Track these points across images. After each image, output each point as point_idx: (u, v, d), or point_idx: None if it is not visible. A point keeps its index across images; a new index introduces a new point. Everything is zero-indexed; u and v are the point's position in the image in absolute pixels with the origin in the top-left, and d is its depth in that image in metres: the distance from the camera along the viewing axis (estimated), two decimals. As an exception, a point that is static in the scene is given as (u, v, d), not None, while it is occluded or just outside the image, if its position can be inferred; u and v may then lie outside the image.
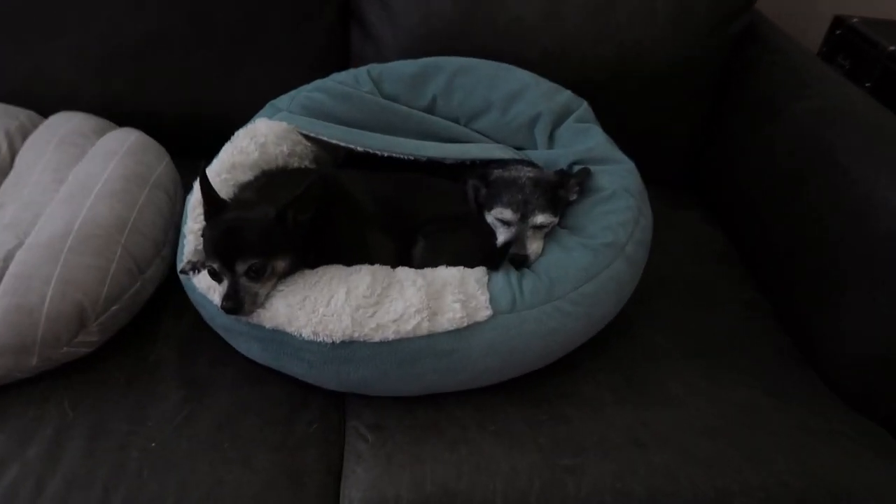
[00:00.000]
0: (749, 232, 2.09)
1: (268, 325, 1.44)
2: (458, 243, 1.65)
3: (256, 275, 1.41)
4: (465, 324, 1.45)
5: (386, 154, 1.82)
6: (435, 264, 1.58)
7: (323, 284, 1.47)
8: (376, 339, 1.41)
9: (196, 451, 1.34)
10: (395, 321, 1.42)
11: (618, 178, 1.76)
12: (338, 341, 1.41)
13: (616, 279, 1.62)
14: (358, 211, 1.62)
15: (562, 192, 1.72)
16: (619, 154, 1.83)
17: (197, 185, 1.47)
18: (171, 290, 1.61)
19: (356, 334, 1.41)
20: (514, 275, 1.56)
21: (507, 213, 1.65)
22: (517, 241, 1.63)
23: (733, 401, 1.57)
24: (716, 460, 1.41)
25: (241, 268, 1.39)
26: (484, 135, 1.97)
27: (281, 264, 1.44)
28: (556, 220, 1.69)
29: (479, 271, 1.56)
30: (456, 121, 1.98)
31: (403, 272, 1.54)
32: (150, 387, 1.45)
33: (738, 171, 2.17)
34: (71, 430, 1.35)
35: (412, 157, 1.83)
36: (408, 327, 1.42)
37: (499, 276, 1.56)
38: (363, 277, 1.48)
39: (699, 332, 1.75)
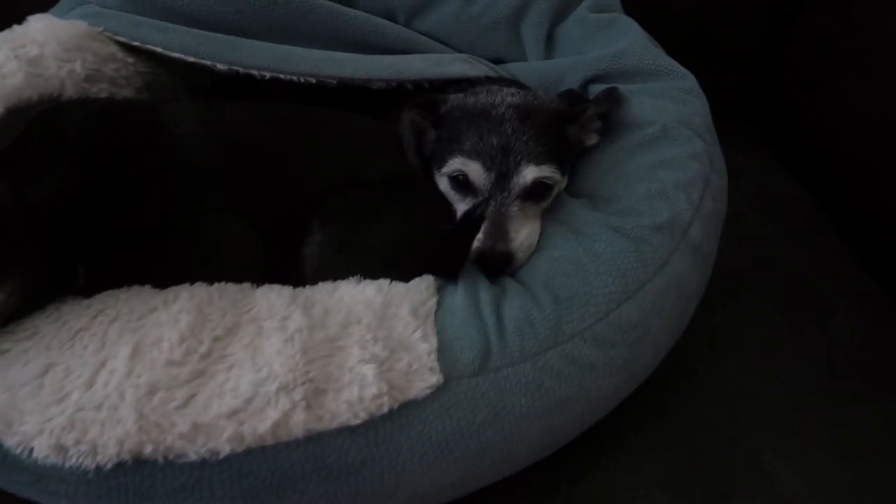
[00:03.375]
0: (842, 184, 1.41)
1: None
2: (386, 233, 0.89)
3: None
4: (387, 408, 0.71)
5: (269, 75, 1.05)
6: (343, 274, 0.83)
7: (91, 337, 0.72)
8: (193, 454, 0.67)
9: None
10: (233, 414, 0.68)
11: (670, 105, 0.99)
12: (109, 464, 0.66)
13: (676, 289, 0.88)
14: (183, 174, 0.85)
15: (571, 130, 0.95)
16: (668, 62, 1.06)
17: None
18: None
19: (149, 448, 0.66)
20: (485, 293, 0.81)
21: (474, 170, 0.89)
22: (491, 223, 0.87)
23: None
24: None
25: None
26: (436, 39, 1.19)
27: None
28: (562, 180, 0.93)
29: (422, 287, 0.81)
30: (391, 17, 1.20)
31: (266, 298, 0.78)
32: None
33: (824, 94, 1.46)
34: None
35: (313, 80, 1.05)
36: (262, 425, 0.68)
37: (457, 298, 0.81)
38: (176, 317, 0.73)
39: (808, 361, 1.09)
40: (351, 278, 0.82)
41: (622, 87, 1.01)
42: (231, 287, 0.80)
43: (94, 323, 0.73)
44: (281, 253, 0.88)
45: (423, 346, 0.75)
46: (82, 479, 0.68)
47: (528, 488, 0.85)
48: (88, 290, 0.78)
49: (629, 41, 1.07)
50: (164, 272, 0.80)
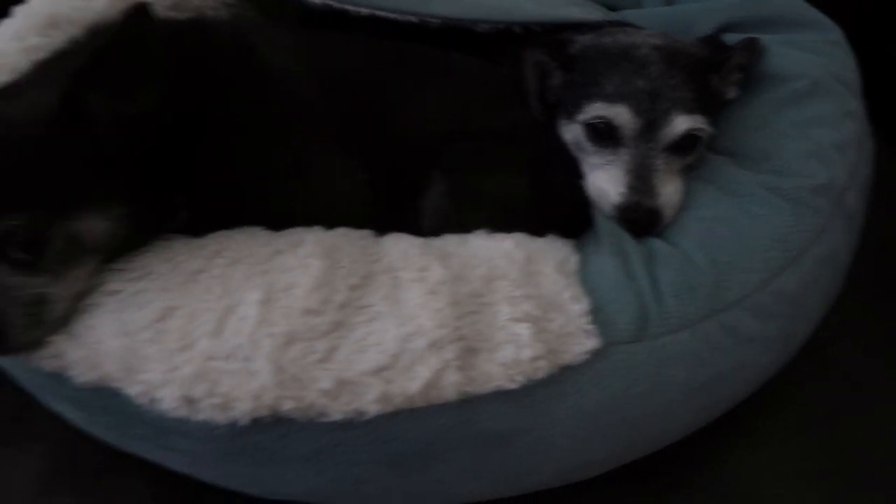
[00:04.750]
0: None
1: (78, 375, 0.61)
2: (510, 186, 0.80)
3: (28, 253, 0.58)
4: (544, 373, 0.63)
5: (366, 11, 0.95)
6: (464, 228, 0.74)
7: (212, 279, 0.64)
8: (336, 414, 0.59)
9: None
10: (379, 371, 0.60)
11: (817, 58, 0.89)
12: (243, 421, 0.59)
13: (832, 259, 0.80)
14: (282, 103, 0.76)
15: (714, 79, 0.86)
16: (811, 11, 0.96)
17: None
18: None
19: (288, 405, 0.59)
20: (635, 253, 0.73)
21: (620, 115, 0.79)
22: (635, 176, 0.78)
23: None
24: None
25: None
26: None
27: (94, 225, 0.62)
28: (711, 133, 0.84)
29: (561, 246, 0.73)
30: (494, -44, 1.10)
31: (397, 247, 0.70)
32: None
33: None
34: None
35: (414, 19, 0.96)
36: (412, 385, 0.60)
37: (603, 256, 0.72)
38: (306, 262, 0.65)
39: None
40: (479, 231, 0.74)
41: (763, 38, 0.92)
42: (355, 233, 0.72)
43: (211, 264, 0.65)
44: (393, 199, 0.79)
45: (576, 307, 0.67)
46: (209, 435, 0.60)
47: (658, 471, 0.78)
48: (194, 228, 0.70)
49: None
50: (270, 211, 0.71)
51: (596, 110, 0.80)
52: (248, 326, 0.60)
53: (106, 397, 0.62)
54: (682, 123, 0.79)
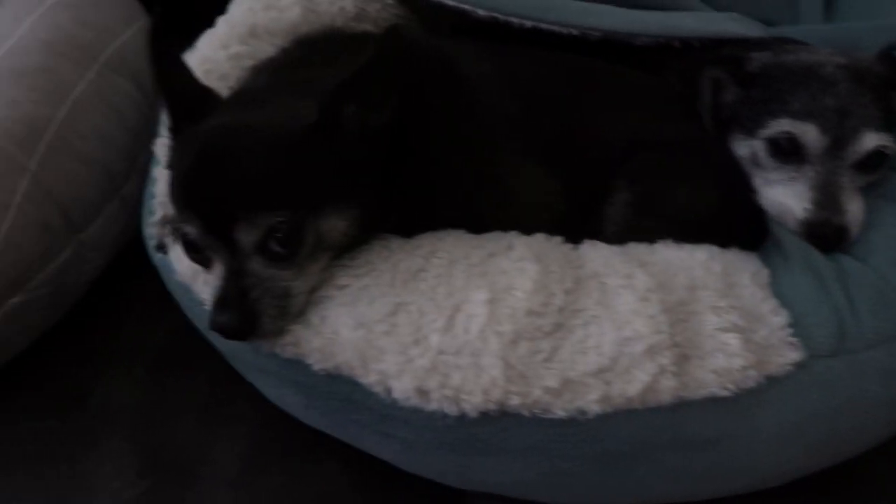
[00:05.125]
0: None
1: (315, 363, 0.66)
2: (691, 197, 0.82)
3: (284, 248, 0.63)
4: (753, 382, 0.65)
5: (529, 24, 0.99)
6: (647, 237, 0.77)
7: (435, 279, 0.68)
8: (559, 411, 0.63)
9: None
10: (599, 373, 0.63)
11: None
12: (473, 413, 0.63)
13: None
14: (484, 116, 0.80)
15: (894, 97, 0.86)
16: None
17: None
18: (137, 266, 0.87)
19: (515, 400, 0.62)
20: (826, 268, 0.74)
21: (808, 133, 0.81)
22: (822, 192, 0.79)
23: None
24: None
25: (246, 235, 0.62)
26: (700, -4, 1.11)
27: (335, 224, 0.66)
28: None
29: (751, 259, 0.75)
30: (647, -28, 1.12)
31: (597, 254, 0.73)
32: (91, 454, 0.72)
33: None
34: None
35: (575, 32, 0.98)
36: (630, 388, 0.63)
37: (795, 271, 0.74)
38: (521, 265, 0.68)
39: None
40: (667, 241, 0.76)
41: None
42: (552, 239, 0.75)
43: (430, 264, 0.69)
44: (579, 207, 0.82)
45: (776, 319, 0.69)
46: (432, 425, 0.64)
47: (846, 480, 0.79)
48: (402, 229, 0.74)
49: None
50: (471, 216, 0.75)
51: (781, 126, 0.81)
52: (476, 324, 0.64)
53: (335, 384, 0.67)
54: (870, 141, 0.79)
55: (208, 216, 0.61)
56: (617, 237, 0.79)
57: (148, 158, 0.94)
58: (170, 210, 0.80)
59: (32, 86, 0.82)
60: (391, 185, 0.71)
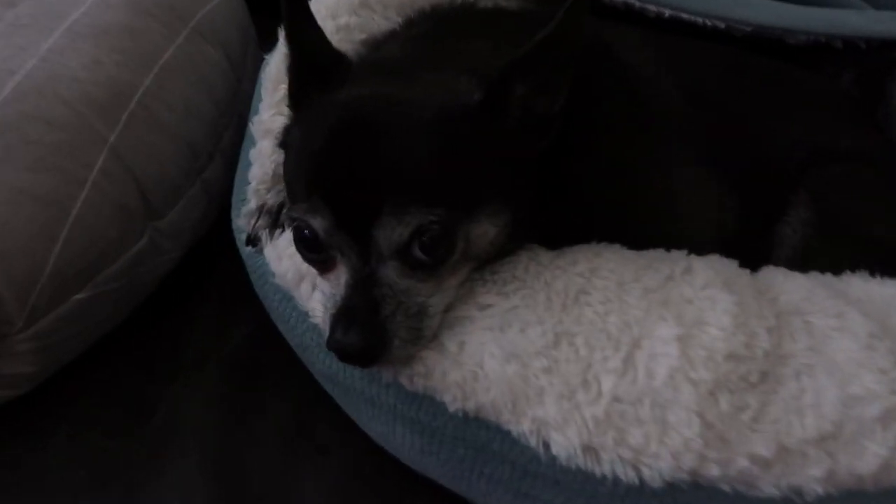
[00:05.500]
0: None
1: (451, 401, 0.53)
2: (881, 219, 0.68)
3: (429, 255, 0.50)
4: None
5: (669, 13, 0.85)
6: (828, 263, 0.63)
7: (602, 304, 0.54)
8: (769, 488, 0.48)
9: None
10: (821, 441, 0.49)
11: None
12: (655, 484, 0.49)
13: None
14: (650, 111, 0.67)
15: None
16: None
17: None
18: (211, 261, 0.82)
19: (713, 470, 0.48)
20: None
21: None
22: None
23: None
24: None
25: (389, 234, 0.49)
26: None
27: (486, 229, 0.53)
28: None
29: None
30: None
31: (791, 283, 0.59)
32: (154, 481, 0.60)
33: None
34: None
35: (721, 25, 0.85)
36: (861, 464, 0.48)
37: None
38: (710, 294, 0.54)
39: None
40: (863, 271, 0.62)
41: None
42: (729, 263, 0.61)
43: (592, 285, 0.55)
44: (750, 225, 0.68)
45: None
46: (593, 492, 0.51)
47: None
48: (547, 239, 0.61)
49: None
50: (631, 228, 0.62)
51: None
52: (664, 367, 0.50)
53: (470, 428, 0.54)
54: None
55: (344, 206, 0.49)
56: (792, 262, 0.65)
57: (233, 138, 0.82)
58: (267, 198, 0.69)
59: (116, 46, 0.70)
60: (545, 186, 0.58)
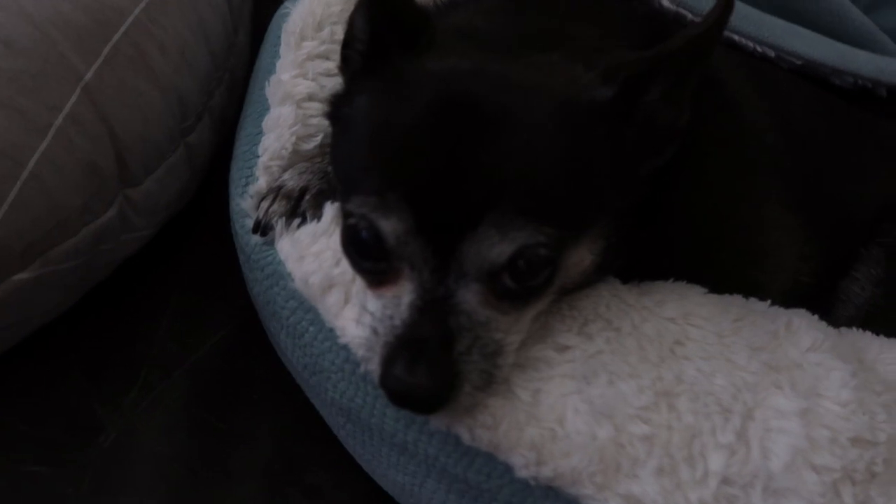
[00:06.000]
0: None
1: (521, 464, 0.42)
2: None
3: (521, 285, 0.39)
4: None
5: (774, 53, 0.78)
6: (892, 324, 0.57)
7: (704, 360, 0.45)
8: None
9: None
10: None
11: None
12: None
13: None
14: (746, 139, 0.59)
15: None
16: None
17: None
18: (191, 248, 0.68)
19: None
20: None
21: None
22: None
23: None
24: None
25: (484, 250, 0.38)
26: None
27: (583, 257, 0.43)
28: None
29: None
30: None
31: (884, 351, 0.52)
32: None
33: None
34: None
35: (770, 54, 0.78)
36: None
37: None
38: (821, 360, 0.47)
39: None
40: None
41: None
42: (817, 321, 0.54)
43: (686, 335, 0.47)
44: (822, 278, 0.62)
45: None
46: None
47: None
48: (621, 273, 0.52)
49: None
50: (712, 269, 0.54)
51: None
52: (783, 447, 0.41)
53: (533, 497, 0.43)
54: None
55: (431, 208, 0.38)
56: (853, 321, 0.59)
57: (223, 98, 0.68)
58: (284, 179, 0.55)
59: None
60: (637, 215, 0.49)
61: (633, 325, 0.47)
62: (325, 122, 0.52)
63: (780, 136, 0.62)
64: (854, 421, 0.44)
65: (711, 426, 0.42)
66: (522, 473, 0.42)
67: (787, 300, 0.57)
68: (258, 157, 0.56)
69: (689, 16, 0.73)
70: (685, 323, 0.48)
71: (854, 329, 0.56)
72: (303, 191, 0.52)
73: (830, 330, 0.52)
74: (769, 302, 0.53)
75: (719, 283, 0.54)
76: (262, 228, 0.52)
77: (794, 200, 0.61)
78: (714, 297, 0.52)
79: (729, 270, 0.55)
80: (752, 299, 0.53)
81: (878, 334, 0.57)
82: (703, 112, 0.55)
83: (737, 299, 0.52)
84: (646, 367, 0.44)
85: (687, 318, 0.48)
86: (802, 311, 0.53)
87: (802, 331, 0.49)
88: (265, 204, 0.53)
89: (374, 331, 0.41)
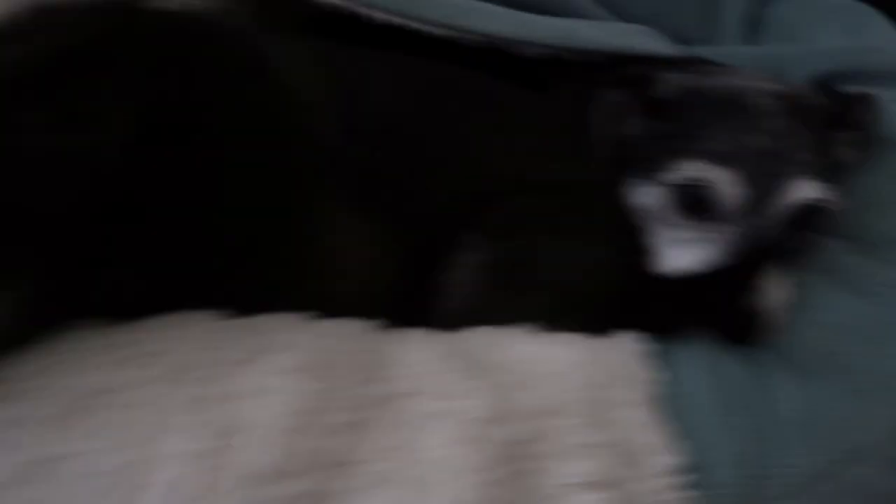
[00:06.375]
0: None
1: None
2: (566, 261, 0.60)
3: None
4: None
5: (381, 19, 0.74)
6: (503, 314, 0.55)
7: (123, 408, 0.42)
8: None
9: None
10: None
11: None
12: None
13: None
14: (288, 137, 0.52)
15: (840, 137, 0.66)
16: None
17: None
18: None
19: None
20: (738, 371, 0.53)
21: (722, 181, 0.59)
22: (742, 265, 0.58)
23: None
24: None
25: None
26: (604, 4, 0.90)
27: None
28: (837, 203, 0.63)
29: (633, 352, 0.53)
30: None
31: (418, 357, 0.49)
32: None
33: None
34: None
35: (445, 35, 0.75)
36: None
37: (694, 376, 0.52)
38: (273, 382, 0.43)
39: None
40: (529, 331, 0.54)
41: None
42: (357, 328, 0.50)
43: (116, 380, 0.43)
44: (419, 275, 0.58)
45: (665, 461, 0.46)
46: None
47: None
48: (130, 307, 0.47)
49: (881, 34, 0.79)
50: (251, 287, 0.50)
51: (691, 171, 0.60)
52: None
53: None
54: (803, 192, 0.59)
55: None
56: (459, 317, 0.56)
57: None
58: None
59: None
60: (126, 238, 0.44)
61: (65, 384, 0.43)
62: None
63: (347, 128, 0.58)
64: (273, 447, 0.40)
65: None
66: None
67: (366, 305, 0.54)
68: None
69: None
70: (129, 365, 0.44)
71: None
72: None
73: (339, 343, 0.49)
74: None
75: (261, 302, 0.50)
76: None
77: (362, 196, 0.57)
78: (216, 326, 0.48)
79: (274, 285, 0.51)
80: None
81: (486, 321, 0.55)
82: (225, 107, 0.50)
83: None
84: (44, 433, 0.41)
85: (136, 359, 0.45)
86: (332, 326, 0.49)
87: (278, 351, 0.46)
88: None
89: None
